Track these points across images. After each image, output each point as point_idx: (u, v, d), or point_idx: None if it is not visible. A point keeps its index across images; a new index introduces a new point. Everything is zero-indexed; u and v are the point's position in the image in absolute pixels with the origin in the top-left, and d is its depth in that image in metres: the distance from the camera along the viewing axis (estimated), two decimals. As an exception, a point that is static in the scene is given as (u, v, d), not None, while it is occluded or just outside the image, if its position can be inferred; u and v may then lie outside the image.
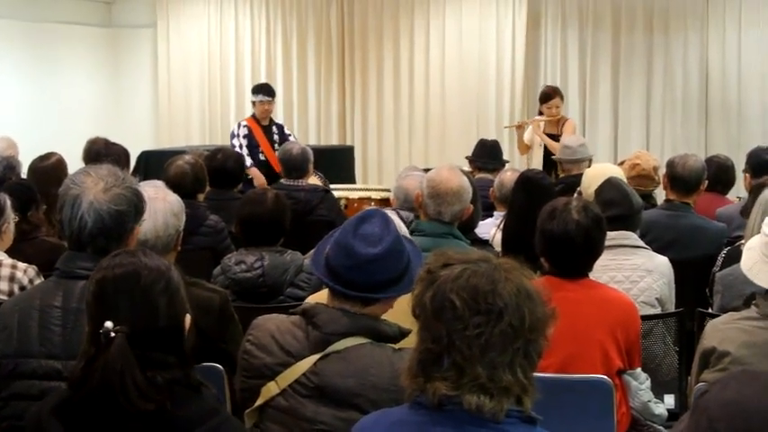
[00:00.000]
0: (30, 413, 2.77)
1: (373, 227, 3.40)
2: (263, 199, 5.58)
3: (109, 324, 2.60)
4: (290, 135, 10.98)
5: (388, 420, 2.58)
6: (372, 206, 9.25)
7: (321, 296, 3.61)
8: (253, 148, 10.67)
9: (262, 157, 10.69)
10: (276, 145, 10.66)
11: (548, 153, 10.43)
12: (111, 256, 2.82)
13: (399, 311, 3.44)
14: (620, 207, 5.45)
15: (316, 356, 3.30)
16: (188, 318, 2.80)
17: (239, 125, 11.08)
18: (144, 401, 2.56)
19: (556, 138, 10.32)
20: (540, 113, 10.84)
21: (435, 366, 2.47)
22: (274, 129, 10.97)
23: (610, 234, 4.80)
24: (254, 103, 11.06)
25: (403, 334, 3.41)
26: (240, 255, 5.47)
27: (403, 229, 4.40)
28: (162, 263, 2.82)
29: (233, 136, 10.95)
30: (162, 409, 2.58)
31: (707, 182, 6.96)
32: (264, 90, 11.16)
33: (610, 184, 5.69)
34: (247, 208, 5.58)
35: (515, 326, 2.44)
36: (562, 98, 10.85)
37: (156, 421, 2.58)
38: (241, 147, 10.61)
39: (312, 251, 3.81)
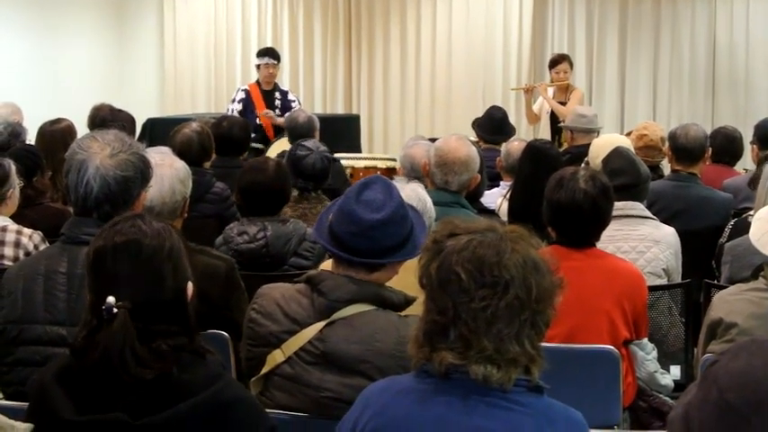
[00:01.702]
0: (32, 380, 2.76)
1: (375, 193, 3.39)
2: (264, 167, 5.50)
3: (111, 300, 2.56)
4: (293, 101, 10.93)
5: (395, 388, 2.57)
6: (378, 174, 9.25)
7: (328, 266, 3.60)
8: (249, 113, 10.60)
9: (258, 122, 10.64)
10: (277, 110, 10.64)
11: (554, 122, 10.45)
12: (111, 223, 2.76)
13: (407, 281, 3.44)
14: (627, 176, 5.43)
15: (321, 323, 3.30)
16: (190, 285, 2.77)
17: (238, 90, 11.08)
18: (142, 370, 2.55)
19: (563, 105, 10.36)
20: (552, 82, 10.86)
21: (442, 337, 2.46)
22: (277, 94, 10.91)
23: (617, 204, 4.79)
24: (258, 66, 11.04)
25: (408, 302, 3.41)
26: (242, 225, 5.40)
27: (428, 202, 4.39)
28: (161, 227, 2.76)
29: (231, 101, 10.97)
30: (166, 375, 2.57)
31: (710, 150, 6.93)
32: (270, 53, 11.12)
33: (617, 153, 5.68)
34: (248, 176, 5.49)
35: (522, 298, 2.43)
36: (571, 65, 10.86)
37: (161, 386, 2.57)
38: (233, 111, 10.59)
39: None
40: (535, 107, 11.00)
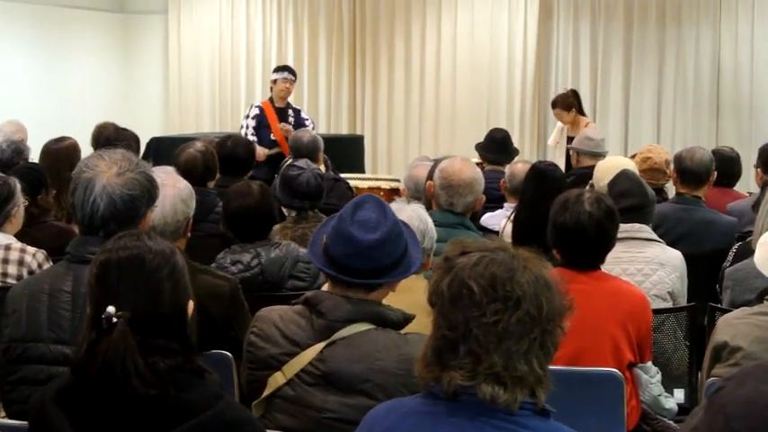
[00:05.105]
0: (32, 400, 2.75)
1: (369, 212, 3.39)
2: (249, 191, 5.41)
3: (111, 309, 2.57)
4: (306, 119, 10.94)
5: (401, 410, 2.55)
6: (382, 195, 9.26)
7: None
8: (262, 129, 10.63)
9: (272, 138, 10.63)
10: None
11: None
12: (116, 238, 2.79)
13: (408, 301, 3.43)
14: (634, 198, 5.43)
15: (321, 344, 3.30)
16: (191, 303, 2.78)
17: (252, 106, 11.07)
18: (145, 387, 2.54)
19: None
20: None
21: (451, 354, 2.45)
22: (290, 112, 10.88)
23: (623, 226, 4.78)
24: (274, 81, 10.98)
25: (407, 320, 3.42)
26: (235, 254, 5.31)
27: (429, 223, 4.38)
28: (166, 246, 2.78)
29: (245, 117, 10.97)
30: (165, 395, 2.56)
31: (716, 173, 6.93)
32: (288, 69, 11.15)
33: (624, 175, 5.67)
34: (235, 202, 5.39)
35: (533, 314, 2.42)
36: (565, 107, 10.91)
37: (160, 407, 2.57)
38: (248, 127, 10.61)
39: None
40: (550, 140, 11.15)
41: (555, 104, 11.06)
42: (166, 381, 2.58)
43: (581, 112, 10.99)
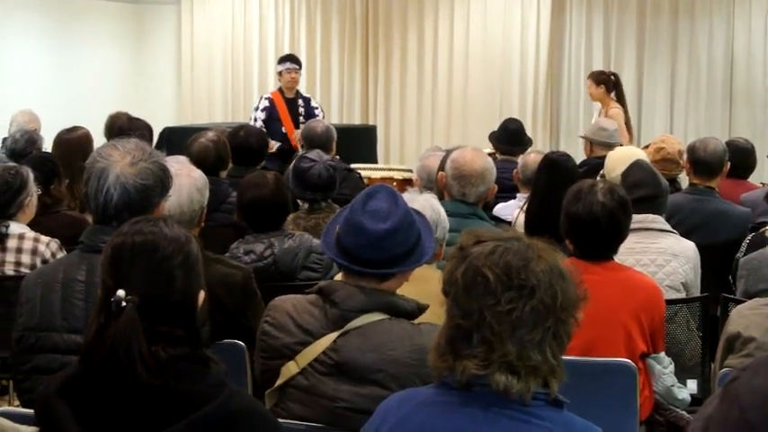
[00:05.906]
0: (37, 393, 2.75)
1: (380, 202, 3.39)
2: (264, 182, 5.41)
3: (121, 293, 2.56)
4: (316, 108, 10.87)
5: (415, 400, 2.56)
6: (394, 185, 9.25)
7: (341, 277, 3.59)
8: (273, 121, 10.56)
9: (283, 131, 10.57)
10: (301, 118, 10.55)
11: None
12: (132, 222, 2.77)
13: (422, 290, 3.43)
14: (648, 188, 5.42)
15: (335, 334, 3.30)
16: (202, 293, 2.77)
17: (261, 98, 11.01)
18: (149, 375, 2.53)
19: None
20: None
21: (465, 343, 2.45)
22: (300, 101, 10.81)
23: (637, 217, 4.77)
24: (280, 73, 10.92)
25: (420, 309, 3.42)
26: (248, 244, 5.31)
27: (442, 213, 4.37)
28: (182, 234, 2.76)
29: (254, 109, 10.91)
30: (168, 386, 2.55)
31: (729, 164, 6.91)
32: (291, 59, 11.08)
33: (638, 166, 5.66)
34: (249, 192, 5.39)
35: (547, 303, 2.42)
36: (596, 81, 10.80)
37: (164, 397, 2.55)
38: (257, 120, 10.54)
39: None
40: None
41: (589, 75, 11.06)
42: (168, 371, 2.57)
43: (619, 99, 10.89)
